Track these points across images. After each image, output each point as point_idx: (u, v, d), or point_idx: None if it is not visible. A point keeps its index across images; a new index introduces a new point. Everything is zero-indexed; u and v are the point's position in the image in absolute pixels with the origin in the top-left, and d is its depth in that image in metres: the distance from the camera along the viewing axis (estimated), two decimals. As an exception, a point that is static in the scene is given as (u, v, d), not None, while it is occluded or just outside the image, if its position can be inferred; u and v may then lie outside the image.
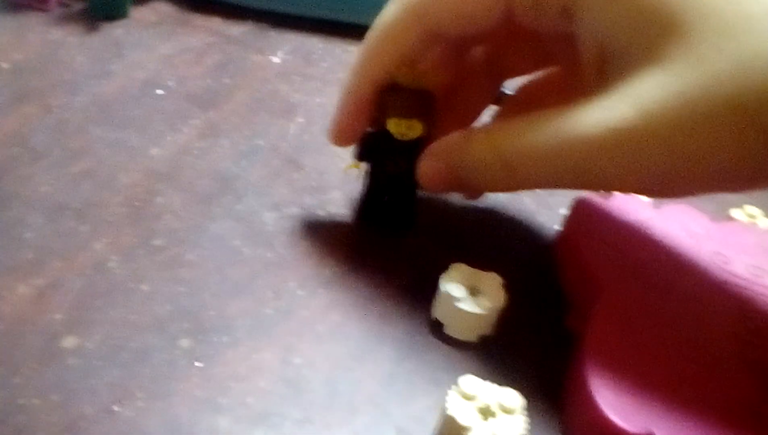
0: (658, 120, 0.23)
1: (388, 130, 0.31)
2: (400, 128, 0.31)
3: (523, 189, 0.30)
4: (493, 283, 0.30)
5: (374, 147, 0.32)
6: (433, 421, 0.26)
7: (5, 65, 0.40)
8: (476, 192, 0.34)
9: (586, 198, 0.35)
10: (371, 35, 0.31)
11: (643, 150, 0.24)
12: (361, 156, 0.33)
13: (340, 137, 0.33)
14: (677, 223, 0.34)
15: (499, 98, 0.46)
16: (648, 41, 0.25)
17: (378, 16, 0.31)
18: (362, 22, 0.49)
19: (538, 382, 0.28)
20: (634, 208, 0.34)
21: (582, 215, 0.34)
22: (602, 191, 0.35)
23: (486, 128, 0.30)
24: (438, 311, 0.30)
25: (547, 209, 0.38)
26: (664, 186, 0.25)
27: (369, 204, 0.34)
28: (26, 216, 0.31)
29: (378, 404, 0.27)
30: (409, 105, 0.30)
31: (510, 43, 0.34)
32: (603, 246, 0.32)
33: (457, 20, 0.30)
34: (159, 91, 0.40)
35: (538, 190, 0.39)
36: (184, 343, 0.27)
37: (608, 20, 0.26)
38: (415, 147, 0.31)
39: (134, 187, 0.34)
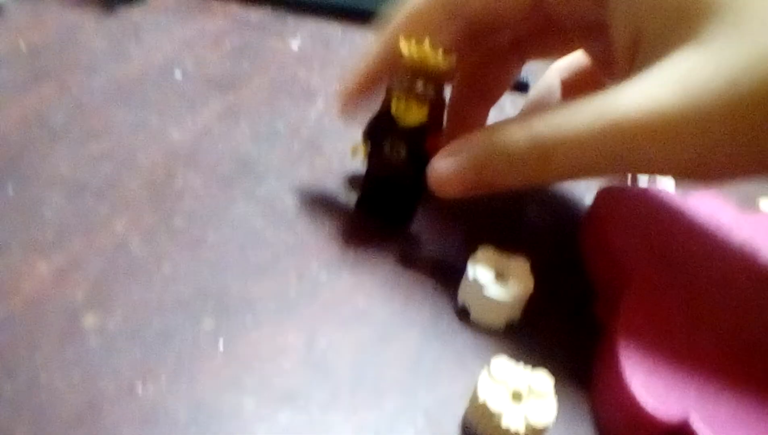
0: (702, 100, 0.23)
1: (390, 111, 0.30)
2: (400, 108, 0.29)
3: (554, 180, 0.29)
4: (521, 267, 0.29)
5: (375, 128, 0.31)
6: (461, 406, 0.26)
7: (23, 46, 0.39)
8: (499, 189, 0.33)
9: (611, 186, 0.34)
10: (399, 10, 0.30)
11: (686, 131, 0.23)
12: (364, 136, 0.31)
13: (343, 102, 0.32)
14: (706, 213, 0.33)
15: (518, 85, 0.45)
16: (686, 22, 0.24)
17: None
18: (381, 9, 0.49)
19: (566, 369, 0.28)
20: (661, 197, 0.34)
21: (608, 203, 0.33)
22: (632, 177, 0.35)
23: (518, 118, 0.29)
24: (465, 296, 0.29)
25: (572, 198, 0.37)
26: (706, 168, 0.24)
27: (365, 192, 0.33)
28: (45, 195, 0.30)
29: (405, 388, 0.26)
30: (413, 86, 0.29)
31: (535, 28, 0.33)
32: (631, 233, 0.31)
33: (488, 10, 0.29)
34: (178, 75, 0.40)
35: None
36: (208, 323, 0.27)
37: (643, 4, 0.25)
38: (417, 135, 0.30)
39: (154, 167, 0.33)
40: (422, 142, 0.30)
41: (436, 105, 0.29)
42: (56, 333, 0.25)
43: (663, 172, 0.25)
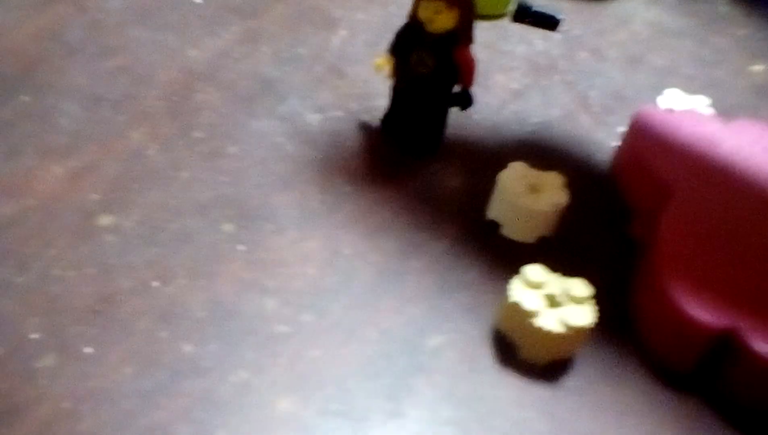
0: None
1: (417, 18, 0.28)
2: (428, 12, 0.27)
3: None
4: (554, 181, 0.28)
5: (402, 39, 0.29)
6: (489, 314, 0.24)
7: (39, -30, 0.38)
8: None
9: (649, 111, 0.33)
10: None
11: None
12: (390, 50, 0.29)
13: None
14: (748, 136, 0.32)
15: (549, 22, 0.43)
16: None
17: None
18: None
19: (601, 282, 0.26)
20: (697, 119, 0.32)
21: (647, 126, 0.32)
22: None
23: None
24: (495, 210, 0.28)
25: (604, 126, 0.35)
26: None
27: (390, 111, 0.31)
28: (61, 104, 0.29)
29: (430, 296, 0.25)
30: None
31: None
32: (671, 154, 0.30)
33: None
34: (196, 0, 0.39)
35: (596, 109, 0.36)
36: (227, 227, 0.26)
37: None
38: (446, 43, 0.28)
39: (172, 83, 0.32)
40: (451, 53, 0.28)
41: (466, 9, 0.28)
42: (70, 231, 0.24)
43: None
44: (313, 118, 0.32)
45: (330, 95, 0.34)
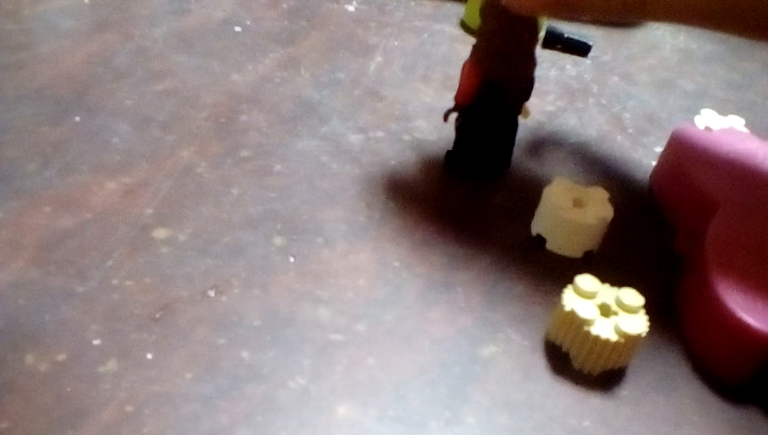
0: None
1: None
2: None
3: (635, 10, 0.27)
4: (598, 196, 0.28)
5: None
6: (539, 325, 0.25)
7: (93, 6, 0.40)
8: (577, 12, 0.28)
9: (687, 128, 0.33)
10: None
11: None
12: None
13: None
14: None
15: (580, 48, 0.44)
16: None
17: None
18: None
19: (648, 295, 0.26)
20: (736, 135, 0.33)
21: (687, 143, 0.32)
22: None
23: None
24: (540, 224, 0.28)
25: (640, 146, 0.36)
26: None
27: (461, 144, 0.31)
28: (113, 124, 0.30)
29: (478, 307, 0.25)
30: None
31: None
32: (713, 170, 0.30)
33: None
34: (237, 29, 0.40)
35: (631, 130, 0.37)
36: (278, 240, 0.26)
37: None
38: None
39: (218, 106, 0.33)
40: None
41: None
42: (126, 243, 0.25)
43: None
44: (355, 138, 0.32)
45: (370, 117, 0.34)
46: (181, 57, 0.36)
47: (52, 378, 0.20)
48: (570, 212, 0.27)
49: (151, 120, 0.31)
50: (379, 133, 0.33)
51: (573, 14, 0.27)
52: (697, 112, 0.35)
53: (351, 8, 0.45)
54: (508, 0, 0.27)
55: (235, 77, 0.35)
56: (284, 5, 0.44)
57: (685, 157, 0.31)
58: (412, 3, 0.47)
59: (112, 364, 0.21)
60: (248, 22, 0.41)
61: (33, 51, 0.34)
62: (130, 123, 0.30)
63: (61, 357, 0.21)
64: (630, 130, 0.37)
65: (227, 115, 0.32)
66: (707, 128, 0.34)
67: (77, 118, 0.30)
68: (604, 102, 0.39)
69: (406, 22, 0.44)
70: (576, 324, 0.23)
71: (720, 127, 0.34)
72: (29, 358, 0.20)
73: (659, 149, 0.35)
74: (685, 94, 0.42)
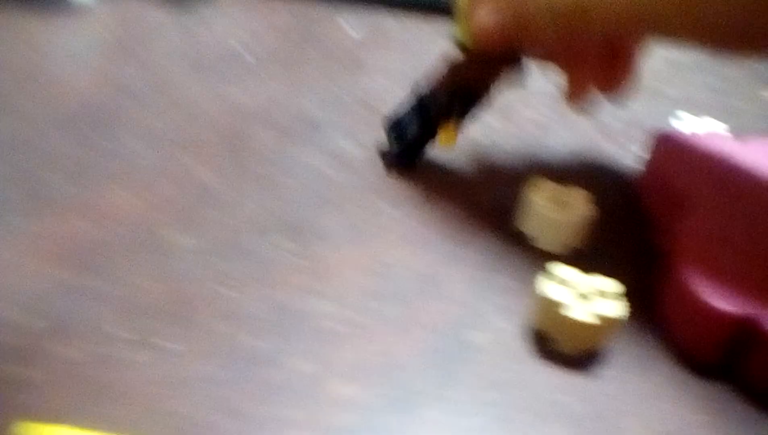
0: None
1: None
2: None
3: (590, 34, 0.30)
4: (579, 195, 0.30)
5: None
6: (525, 314, 0.27)
7: (107, 35, 0.43)
8: (534, 44, 0.32)
9: (669, 131, 0.35)
10: None
11: None
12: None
13: None
14: (763, 151, 0.34)
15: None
16: None
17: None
18: (432, 2, 0.52)
19: (629, 285, 0.28)
20: (716, 139, 0.35)
21: (668, 145, 0.35)
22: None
23: None
24: (523, 221, 0.31)
25: (627, 152, 0.38)
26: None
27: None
28: (133, 144, 0.33)
29: (467, 300, 0.27)
30: None
31: None
32: (691, 169, 0.33)
33: None
34: (248, 57, 0.43)
35: (617, 136, 0.39)
36: (287, 245, 0.29)
37: None
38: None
39: (229, 126, 0.36)
40: None
41: None
42: (151, 249, 0.27)
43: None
44: (357, 152, 0.35)
45: (371, 132, 0.37)
46: (195, 83, 0.39)
47: (92, 368, 0.23)
48: (550, 209, 0.30)
49: (168, 140, 0.34)
50: (381, 150, 0.36)
51: (527, 43, 0.30)
52: (679, 114, 0.38)
53: (355, 35, 0.48)
54: (474, 34, 0.30)
55: (244, 99, 0.38)
56: (293, 35, 0.47)
57: (664, 156, 0.34)
58: (413, 27, 0.50)
59: (143, 355, 0.23)
60: (258, 51, 0.44)
61: (57, 79, 0.37)
62: (149, 143, 0.33)
63: (100, 350, 0.23)
64: (617, 137, 0.39)
65: (238, 134, 0.35)
66: (693, 133, 0.36)
67: (102, 140, 0.33)
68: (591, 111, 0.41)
69: (407, 47, 0.47)
70: (553, 308, 0.25)
71: (702, 130, 0.36)
72: (72, 351, 0.23)
73: (645, 154, 0.38)
74: (670, 101, 0.44)
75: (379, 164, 0.34)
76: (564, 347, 0.26)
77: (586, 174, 0.36)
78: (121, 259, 0.27)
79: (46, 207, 0.29)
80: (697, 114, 0.41)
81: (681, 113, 0.37)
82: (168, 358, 0.23)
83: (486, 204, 0.33)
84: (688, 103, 0.44)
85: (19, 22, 0.43)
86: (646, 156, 0.35)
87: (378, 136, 0.36)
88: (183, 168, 0.32)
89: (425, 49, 0.46)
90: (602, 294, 0.26)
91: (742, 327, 0.25)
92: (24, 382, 0.22)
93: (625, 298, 0.26)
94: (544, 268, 0.29)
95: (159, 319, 0.25)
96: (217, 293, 0.26)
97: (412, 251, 0.29)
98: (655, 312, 0.28)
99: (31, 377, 0.22)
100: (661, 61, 0.49)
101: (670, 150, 0.34)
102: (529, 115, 0.40)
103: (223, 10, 0.48)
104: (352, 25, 0.49)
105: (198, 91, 0.38)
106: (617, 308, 0.25)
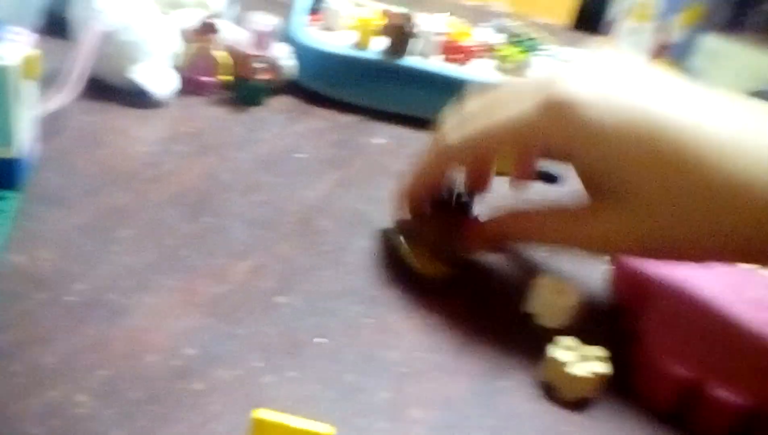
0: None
1: None
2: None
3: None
4: (571, 286, 0.41)
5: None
6: (537, 373, 0.37)
7: (186, 130, 0.53)
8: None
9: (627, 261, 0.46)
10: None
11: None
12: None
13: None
14: (725, 284, 0.45)
15: (546, 176, 0.58)
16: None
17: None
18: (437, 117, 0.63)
19: (611, 352, 0.38)
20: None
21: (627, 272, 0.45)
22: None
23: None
24: (531, 303, 0.41)
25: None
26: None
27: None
28: (230, 224, 0.42)
29: (496, 357, 0.37)
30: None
31: None
32: (654, 273, 0.43)
33: None
34: (299, 155, 0.53)
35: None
36: (356, 307, 0.38)
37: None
38: None
39: (299, 213, 0.45)
40: None
41: None
42: (258, 305, 0.36)
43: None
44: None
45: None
46: (265, 175, 0.49)
47: (233, 389, 0.31)
48: (554, 296, 0.40)
49: (254, 221, 0.43)
50: (415, 237, 0.46)
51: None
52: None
53: (378, 141, 0.59)
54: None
55: (307, 192, 0.48)
56: (329, 137, 0.57)
57: (632, 264, 0.45)
58: (424, 137, 0.61)
59: (269, 378, 0.32)
60: (306, 150, 0.54)
61: (162, 168, 0.46)
62: (243, 223, 0.43)
63: (237, 373, 0.32)
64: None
65: (306, 220, 0.45)
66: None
67: (205, 218, 0.42)
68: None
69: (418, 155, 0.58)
70: (560, 366, 0.35)
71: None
72: (219, 372, 0.32)
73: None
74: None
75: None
76: (566, 394, 0.35)
77: (574, 268, 0.47)
78: (236, 312, 0.36)
79: (176, 271, 0.38)
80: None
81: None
82: (289, 384, 0.32)
83: (496, 286, 0.43)
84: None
85: (111, 113, 0.52)
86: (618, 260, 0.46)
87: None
88: (272, 243, 0.42)
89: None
90: (595, 357, 0.36)
91: (690, 386, 0.35)
92: (187, 391, 0.30)
93: (609, 361, 0.36)
94: (547, 338, 0.39)
95: (278, 355, 0.33)
96: (311, 342, 0.35)
97: (433, 331, 0.39)
98: (629, 372, 0.38)
99: (194, 388, 0.31)
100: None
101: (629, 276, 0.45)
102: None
103: (273, 114, 0.59)
104: (375, 132, 0.60)
105: (270, 184, 0.48)
106: (604, 367, 0.35)
